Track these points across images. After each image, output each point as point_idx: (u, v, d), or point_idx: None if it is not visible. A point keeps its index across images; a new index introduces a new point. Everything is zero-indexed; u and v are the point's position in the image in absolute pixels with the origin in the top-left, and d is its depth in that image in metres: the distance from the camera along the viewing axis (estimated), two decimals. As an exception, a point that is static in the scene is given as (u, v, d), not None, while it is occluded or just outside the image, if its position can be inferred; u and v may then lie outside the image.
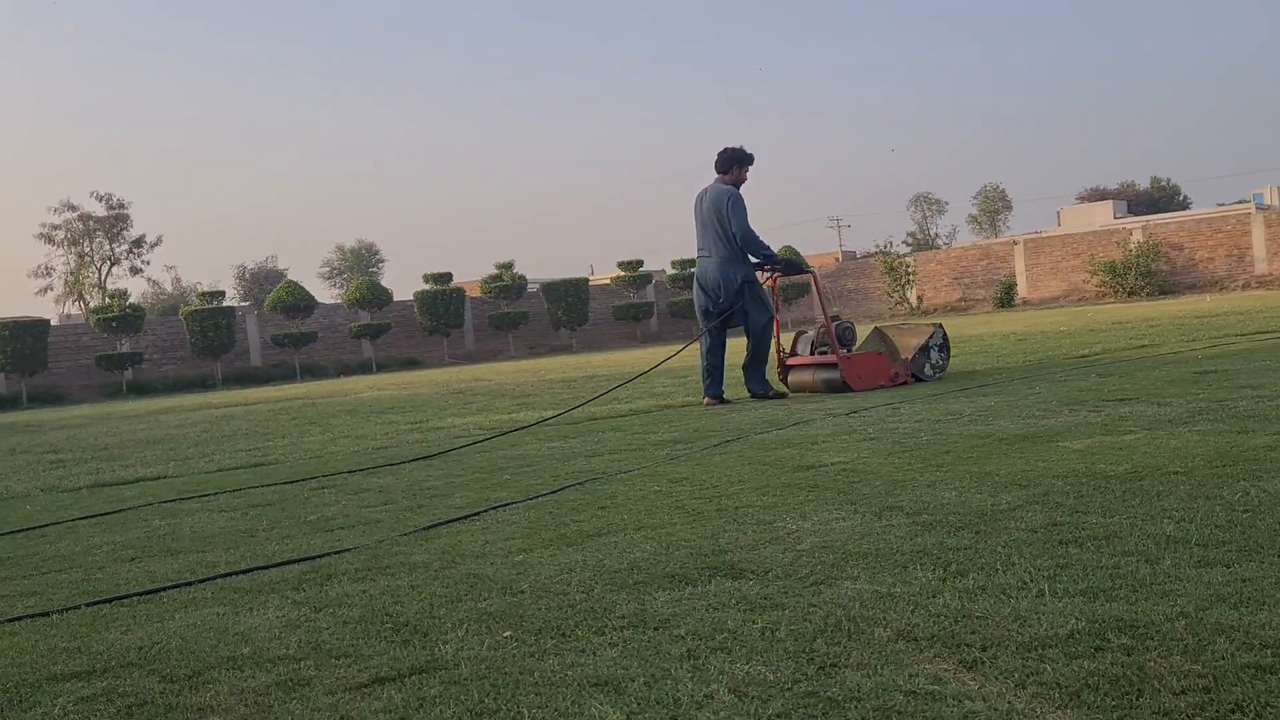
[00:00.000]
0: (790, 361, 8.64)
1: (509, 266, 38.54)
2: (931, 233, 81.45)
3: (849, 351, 8.45)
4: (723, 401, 8.11)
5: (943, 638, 2.17)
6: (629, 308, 39.24)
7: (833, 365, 8.28)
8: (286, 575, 3.36)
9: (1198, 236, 33.52)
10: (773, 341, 8.42)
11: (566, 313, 37.66)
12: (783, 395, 8.29)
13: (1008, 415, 5.64)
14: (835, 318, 8.51)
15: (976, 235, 78.36)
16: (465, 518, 4.08)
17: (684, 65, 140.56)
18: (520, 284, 38.30)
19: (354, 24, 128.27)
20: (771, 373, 8.64)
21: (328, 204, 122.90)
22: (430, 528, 3.94)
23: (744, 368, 8.31)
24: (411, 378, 21.91)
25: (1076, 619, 2.19)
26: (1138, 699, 1.78)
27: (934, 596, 2.45)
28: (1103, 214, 55.97)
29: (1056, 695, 1.83)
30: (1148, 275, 32.72)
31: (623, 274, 40.37)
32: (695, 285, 8.42)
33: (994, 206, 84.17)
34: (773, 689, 1.98)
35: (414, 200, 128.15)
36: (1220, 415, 4.89)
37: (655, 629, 2.41)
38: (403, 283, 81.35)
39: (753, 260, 8.26)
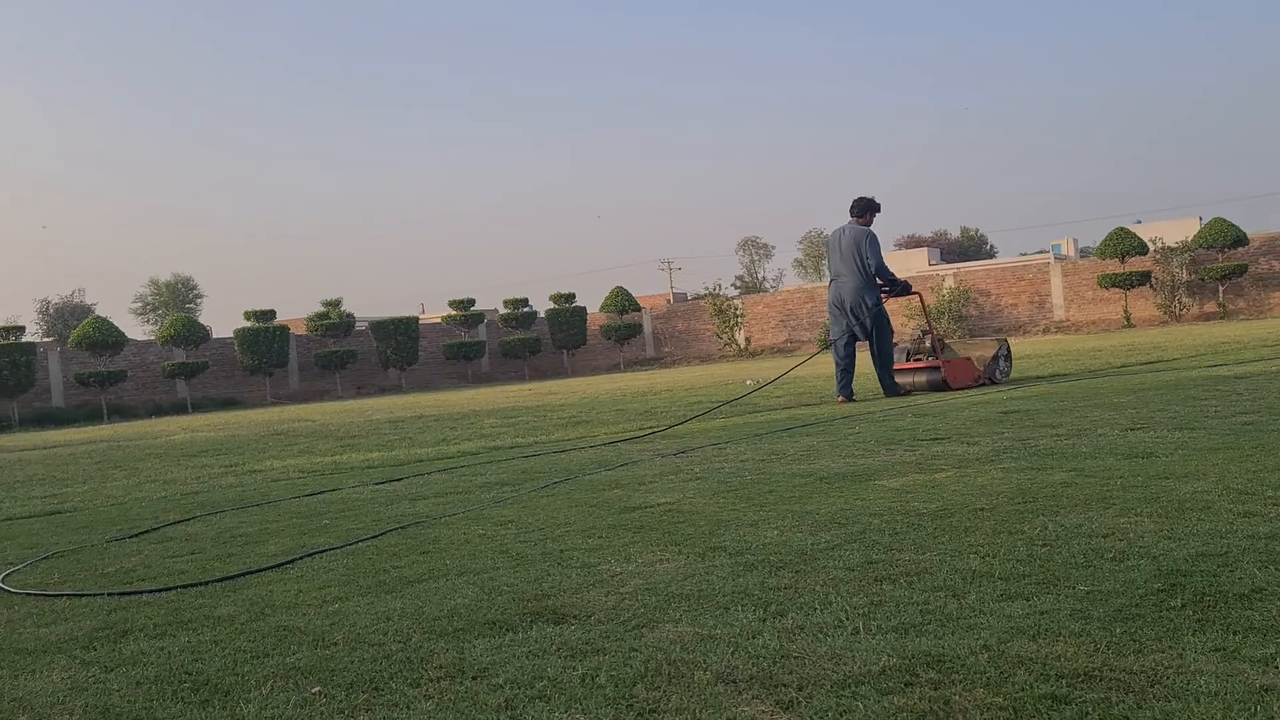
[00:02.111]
0: (895, 367, 10.36)
1: (336, 304, 37.59)
2: (759, 276, 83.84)
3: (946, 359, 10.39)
4: (851, 400, 9.92)
5: (761, 679, 2.18)
6: (460, 347, 38.80)
7: (936, 368, 10.21)
8: (75, 633, 3.12)
9: (1003, 283, 35.60)
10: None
11: (396, 352, 36.95)
12: (910, 393, 10.12)
13: (829, 454, 5.80)
14: (927, 331, 10.62)
15: (802, 279, 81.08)
16: (278, 566, 3.90)
17: (514, 107, 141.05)
18: (348, 322, 37.38)
19: (174, 49, 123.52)
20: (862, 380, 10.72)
21: (142, 236, 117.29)
22: (237, 577, 3.74)
23: (880, 375, 10.34)
24: (230, 418, 20.99)
25: (888, 655, 2.24)
26: (944, 733, 1.83)
27: (754, 637, 2.47)
28: (919, 260, 58.88)
29: (868, 733, 1.86)
30: (959, 319, 34.50)
31: (454, 313, 39.93)
32: (831, 304, 10.57)
33: (819, 251, 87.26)
34: (591, 738, 1.94)
35: (235, 234, 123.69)
36: (1023, 453, 5.16)
37: (473, 678, 2.34)
38: (222, 319, 78.06)
39: (880, 284, 10.36)
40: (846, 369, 10.18)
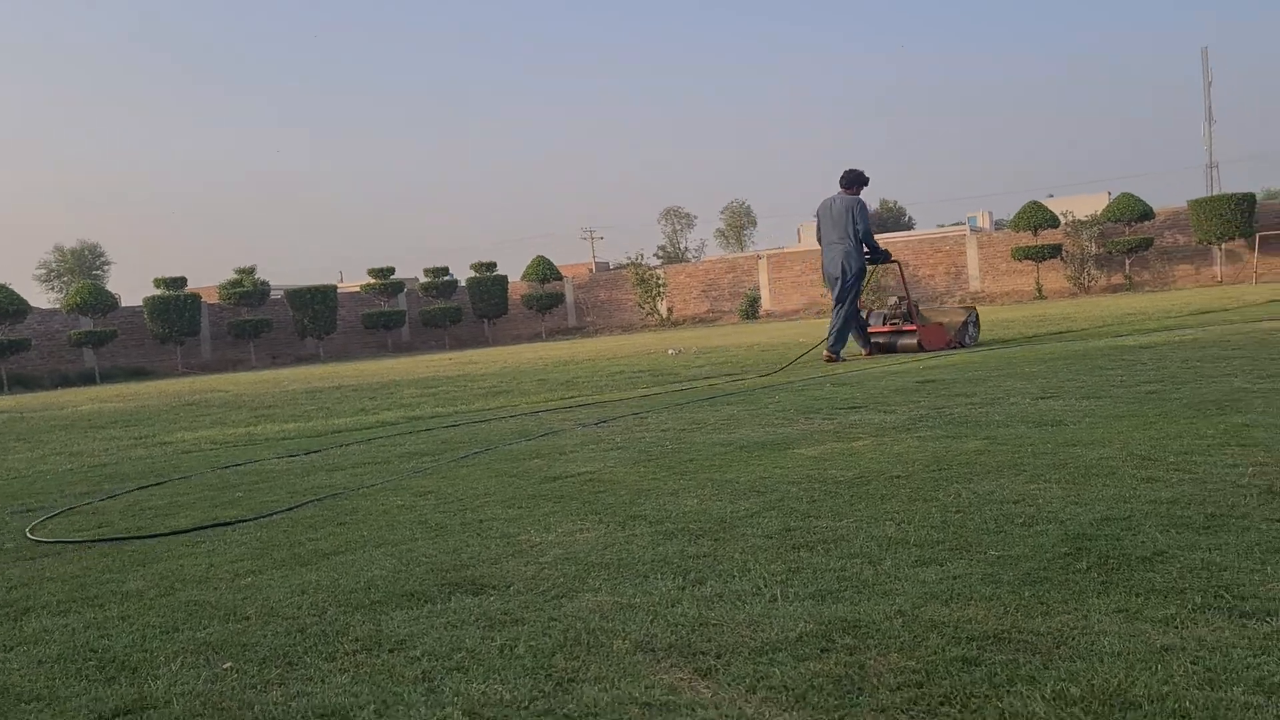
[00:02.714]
0: (872, 330, 11.18)
1: (250, 272, 36.74)
2: (681, 246, 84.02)
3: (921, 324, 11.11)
4: (872, 352, 10.95)
5: (680, 647, 2.19)
6: (380, 316, 38.25)
7: (912, 332, 11.02)
8: (-26, 611, 3.01)
9: (921, 254, 36.17)
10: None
11: (313, 321, 36.28)
12: (845, 360, 10.60)
13: (749, 424, 5.85)
14: (903, 298, 11.36)
15: (724, 249, 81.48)
16: (186, 532, 3.81)
17: (434, 77, 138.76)
18: (263, 290, 36.57)
19: (88, 26, 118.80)
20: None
21: (46, 202, 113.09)
22: (132, 540, 3.64)
23: (839, 329, 10.89)
24: (140, 389, 20.43)
25: (805, 622, 2.27)
26: (858, 697, 1.86)
27: (673, 606, 2.48)
28: (838, 232, 59.39)
29: (784, 698, 1.88)
30: (878, 290, 35.01)
31: (373, 282, 39.33)
32: (825, 269, 11.21)
33: (740, 222, 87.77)
34: (509, 709, 1.94)
35: (146, 202, 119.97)
36: (938, 421, 5.26)
37: (390, 651, 2.32)
38: (132, 287, 75.58)
39: (866, 250, 11.06)
40: (859, 328, 11.15)
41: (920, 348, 10.92)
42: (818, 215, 11.38)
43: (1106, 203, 34.10)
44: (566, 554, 3.08)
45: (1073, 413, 5.11)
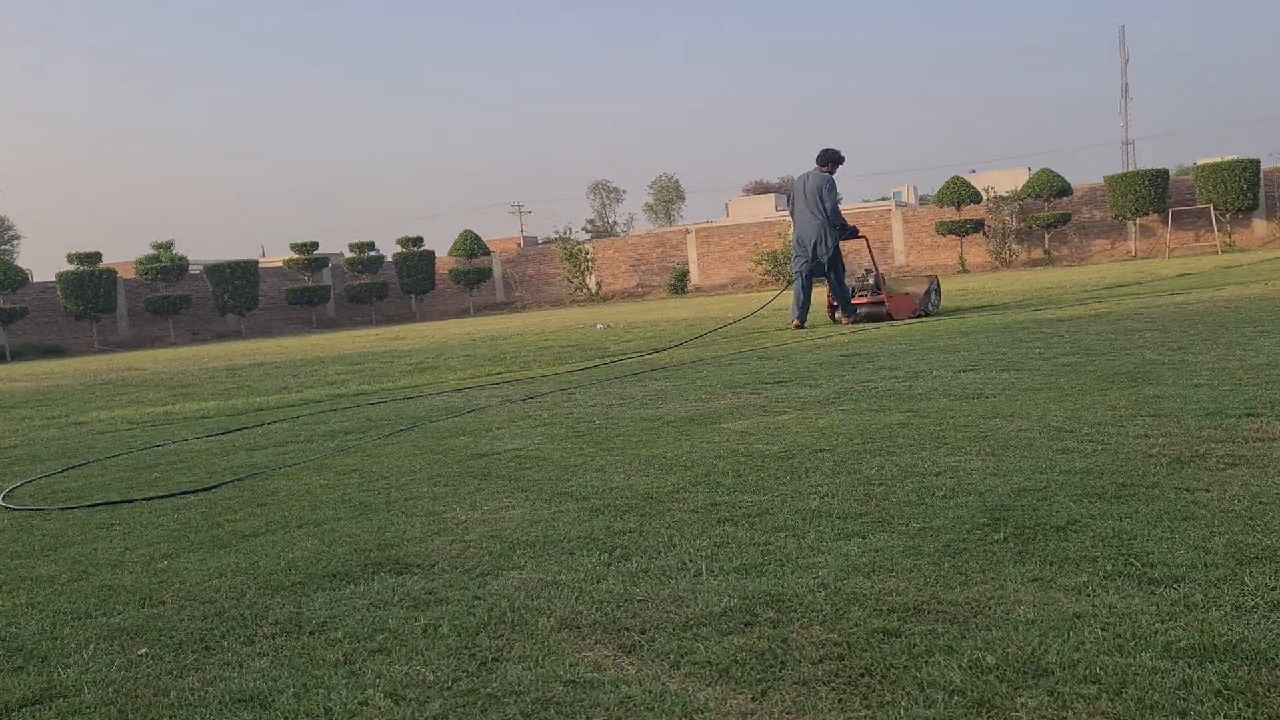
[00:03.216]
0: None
1: (168, 247, 35.87)
2: (610, 220, 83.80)
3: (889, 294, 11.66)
4: (804, 328, 10.99)
5: (604, 623, 2.19)
6: (303, 292, 37.61)
7: (882, 302, 11.49)
8: (-127, 600, 2.90)
9: (847, 230, 36.59)
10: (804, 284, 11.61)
11: (234, 296, 35.55)
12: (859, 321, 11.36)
13: (676, 399, 5.87)
14: (871, 270, 11.88)
15: (652, 224, 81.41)
16: (97, 506, 3.71)
17: (346, 47, 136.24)
18: (181, 265, 35.71)
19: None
20: (820, 312, 11.97)
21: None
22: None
23: (841, 301, 11.58)
24: (53, 367, 19.85)
25: (730, 596, 2.28)
26: (780, 670, 1.87)
27: (598, 582, 2.48)
28: (766, 206, 59.77)
29: (707, 673, 1.89)
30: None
31: (297, 256, 38.62)
32: (795, 241, 11.82)
33: (669, 196, 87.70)
34: (431, 689, 1.92)
35: (58, 174, 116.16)
36: (862, 395, 5.32)
37: (311, 634, 2.28)
38: (43, 263, 73.16)
39: (834, 227, 11.52)
40: (804, 300, 11.47)
41: (889, 316, 11.42)
42: (791, 188, 12.01)
43: (1027, 178, 34.75)
44: (492, 531, 3.07)
45: (993, 385, 5.21)
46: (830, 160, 11.67)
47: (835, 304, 11.79)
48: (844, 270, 11.83)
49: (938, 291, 12.30)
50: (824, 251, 11.55)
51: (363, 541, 3.08)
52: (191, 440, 5.95)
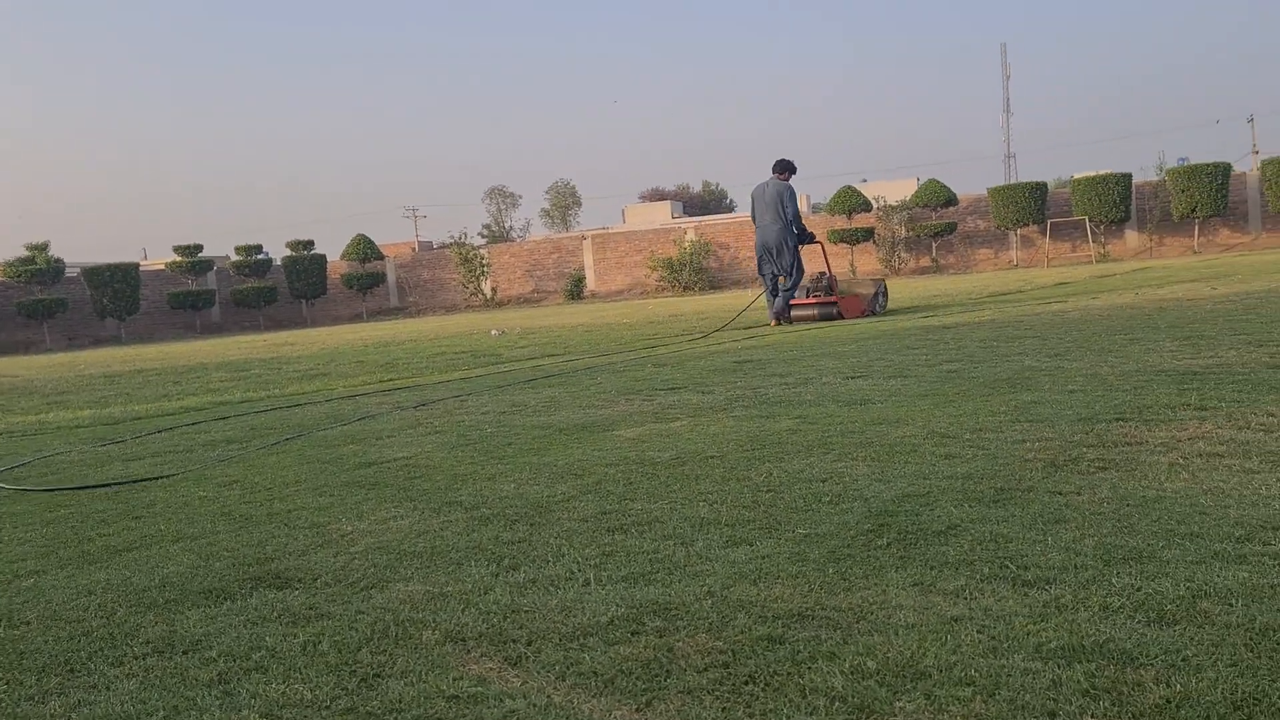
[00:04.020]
0: (794, 302, 12.15)
1: (43, 248, 34.39)
2: (506, 225, 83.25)
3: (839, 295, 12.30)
4: (780, 323, 11.89)
5: (490, 635, 2.16)
6: (187, 296, 36.52)
7: (833, 303, 12.08)
8: None
9: (741, 237, 36.97)
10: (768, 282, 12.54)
11: (113, 300, 34.29)
12: (794, 322, 11.97)
13: (570, 406, 5.85)
14: (824, 273, 12.55)
15: (549, 229, 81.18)
16: (-37, 539, 3.52)
17: (247, 45, 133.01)
18: (57, 267, 34.28)
19: None
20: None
21: None
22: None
23: (787, 294, 12.20)
24: (-86, 374, 18.83)
25: (617, 605, 2.28)
26: (665, 680, 1.87)
27: (486, 593, 2.45)
28: (662, 213, 60.21)
29: (592, 684, 1.88)
30: (700, 271, 35.64)
31: (180, 259, 37.45)
32: (759, 246, 12.56)
33: (565, 202, 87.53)
34: (309, 709, 1.87)
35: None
36: (753, 401, 5.38)
37: (184, 653, 2.20)
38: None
39: (795, 232, 12.37)
40: (779, 300, 12.28)
41: (840, 316, 12.07)
42: (752, 197, 12.72)
43: (915, 188, 35.67)
44: (378, 543, 3.01)
45: (880, 392, 5.32)
46: (786, 169, 12.59)
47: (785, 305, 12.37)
48: (802, 273, 12.55)
49: (885, 294, 13.08)
50: (786, 253, 12.35)
51: (242, 555, 2.99)
52: (64, 450, 5.70)
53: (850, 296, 12.54)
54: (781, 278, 12.42)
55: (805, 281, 12.62)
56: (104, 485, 4.38)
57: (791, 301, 12.23)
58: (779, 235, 12.36)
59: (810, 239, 12.64)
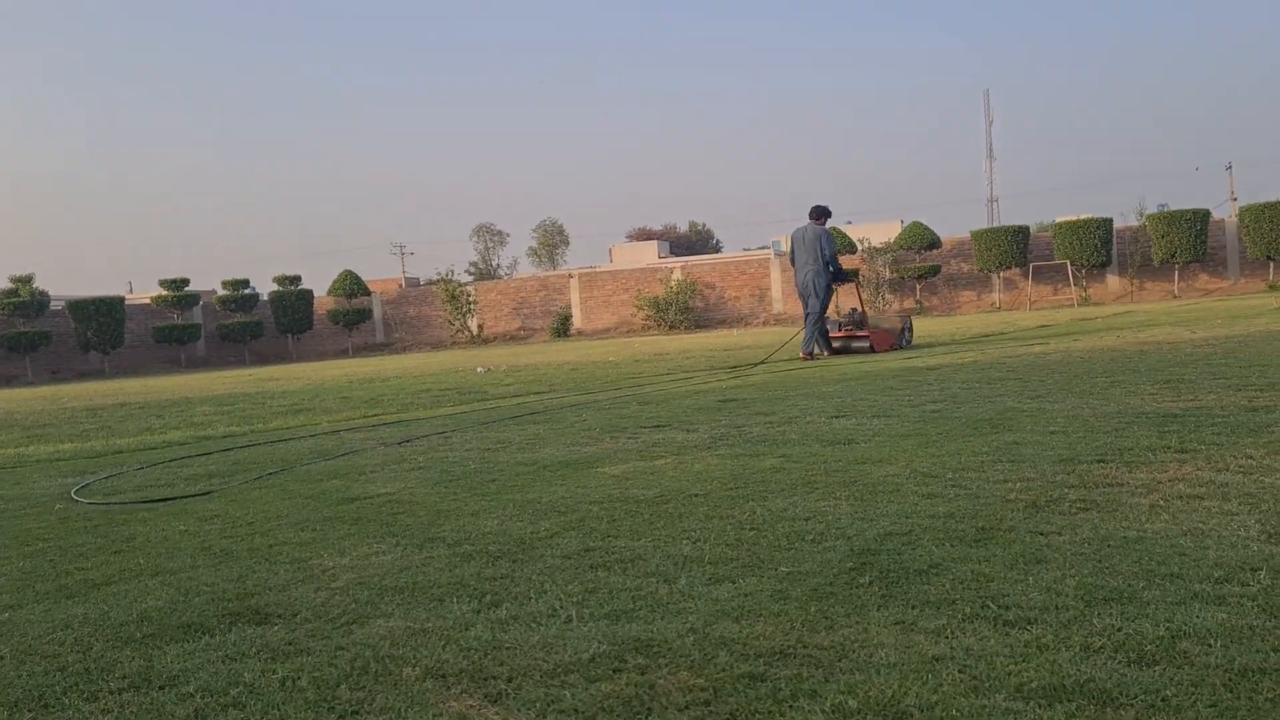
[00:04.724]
0: (833, 335, 13.14)
1: (27, 280, 34.26)
2: (493, 263, 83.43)
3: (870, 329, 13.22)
4: (832, 353, 12.89)
5: (471, 672, 2.15)
6: (172, 330, 36.40)
7: (866, 337, 13.05)
8: None
9: (727, 277, 37.19)
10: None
11: (98, 334, 34.14)
12: (817, 357, 12.66)
13: (554, 443, 5.84)
14: (855, 309, 13.60)
15: (536, 267, 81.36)
16: (-61, 572, 3.48)
17: (169, 79, 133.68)
18: (41, 300, 34.14)
19: None
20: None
21: None
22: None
23: (809, 334, 12.84)
24: (-106, 406, 18.66)
25: (599, 642, 2.26)
26: (647, 717, 1.86)
27: (467, 629, 2.43)
28: (649, 253, 60.38)
29: (573, 722, 1.86)
30: (686, 311, 35.76)
31: (166, 293, 37.38)
32: (800, 285, 13.18)
33: (553, 240, 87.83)
34: (287, 745, 1.84)
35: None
36: (737, 440, 5.38)
37: (160, 688, 2.18)
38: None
39: (832, 270, 13.05)
40: (822, 334, 13.05)
41: (872, 349, 12.93)
42: (791, 240, 13.58)
43: (899, 230, 35.93)
44: (360, 578, 2.99)
45: (863, 431, 5.33)
46: (823, 214, 13.37)
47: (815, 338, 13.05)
48: (826, 305, 13.13)
49: (910, 329, 13.98)
50: (819, 290, 12.99)
51: (222, 590, 2.96)
52: (44, 483, 5.65)
53: (881, 331, 13.39)
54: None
55: (839, 317, 13.61)
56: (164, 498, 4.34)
57: (830, 335, 13.09)
58: (817, 275, 13.10)
59: (846, 278, 13.43)
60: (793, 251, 13.48)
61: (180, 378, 24.46)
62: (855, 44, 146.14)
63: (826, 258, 13.07)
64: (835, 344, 13.09)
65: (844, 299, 14.79)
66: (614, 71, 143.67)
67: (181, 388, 17.25)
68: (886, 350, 12.98)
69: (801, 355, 12.74)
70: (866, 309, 14.86)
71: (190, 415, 10.08)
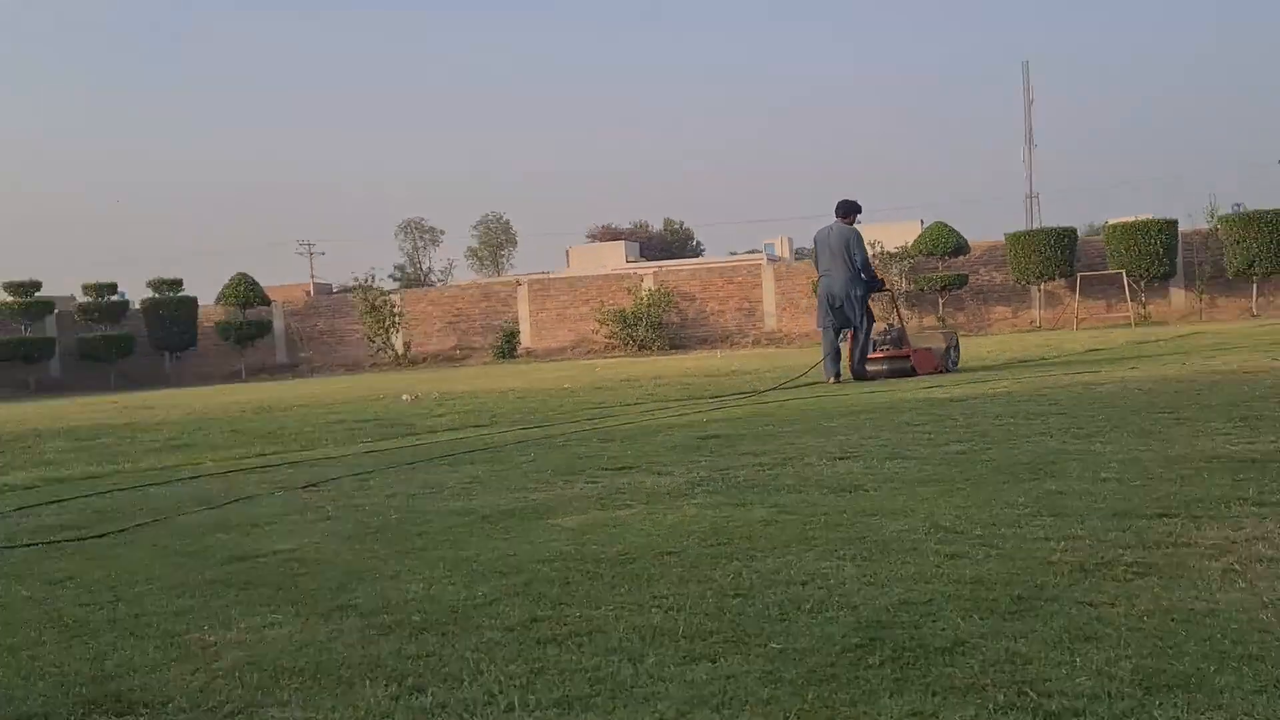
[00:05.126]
0: (869, 356, 13.20)
1: None
2: (425, 267, 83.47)
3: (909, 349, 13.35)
4: (839, 381, 12.80)
5: (386, 774, 2.12)
6: (19, 345, 36.07)
7: (906, 357, 13.15)
8: None
9: (710, 286, 37.33)
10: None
11: (-73, 350, 33.72)
12: (875, 378, 12.83)
13: (496, 487, 5.82)
14: (891, 324, 13.89)
15: (477, 272, 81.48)
16: None
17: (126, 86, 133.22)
18: None
19: None
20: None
21: None
22: None
23: (856, 359, 13.16)
24: None
25: (546, 737, 2.25)
26: (605, 832, 1.84)
27: (382, 721, 2.41)
28: (614, 256, 60.64)
29: (513, 837, 1.84)
30: (658, 327, 35.82)
31: (10, 300, 37.06)
32: (821, 295, 13.54)
33: (497, 240, 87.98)
34: None
35: None
36: (720, 485, 5.39)
37: (-6, 795, 2.13)
38: None
39: (864, 279, 13.31)
40: (834, 355, 13.26)
41: (914, 371, 13.03)
42: (815, 242, 13.86)
43: (919, 233, 36.19)
44: (250, 657, 2.96)
45: (873, 476, 5.35)
46: (851, 211, 13.60)
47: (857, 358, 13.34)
48: (873, 322, 13.50)
49: (957, 348, 14.08)
50: (853, 304, 13.24)
51: (74, 672, 2.93)
52: None
53: (923, 351, 13.47)
54: (849, 333, 13.36)
55: (874, 335, 13.59)
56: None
57: (869, 356, 13.26)
58: (846, 284, 13.26)
59: (880, 286, 13.84)
60: (816, 256, 13.73)
61: (28, 405, 24.22)
62: (866, 7, 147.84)
63: (857, 264, 13.21)
64: (873, 366, 13.13)
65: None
66: (572, 32, 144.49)
67: (29, 417, 17.08)
68: (930, 373, 13.13)
69: (829, 380, 12.82)
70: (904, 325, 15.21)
71: (39, 452, 9.97)
